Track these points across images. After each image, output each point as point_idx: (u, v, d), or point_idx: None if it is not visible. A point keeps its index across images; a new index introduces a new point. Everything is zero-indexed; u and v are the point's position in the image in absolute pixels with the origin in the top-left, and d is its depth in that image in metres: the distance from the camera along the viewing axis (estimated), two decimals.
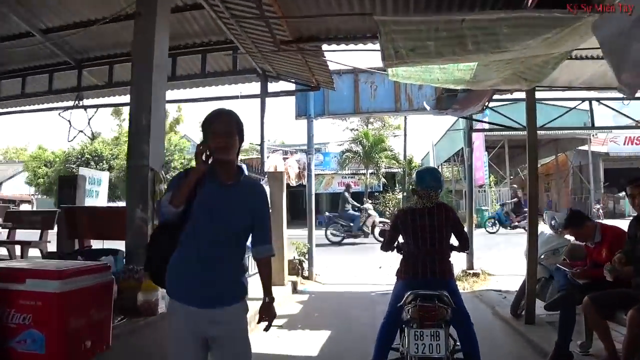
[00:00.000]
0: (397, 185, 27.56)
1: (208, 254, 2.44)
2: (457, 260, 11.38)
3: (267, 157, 8.79)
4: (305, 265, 9.25)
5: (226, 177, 2.53)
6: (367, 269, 10.67)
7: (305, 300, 7.71)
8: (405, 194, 26.02)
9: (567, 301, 4.33)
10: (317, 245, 10.09)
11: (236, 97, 9.99)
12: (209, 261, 2.44)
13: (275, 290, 6.85)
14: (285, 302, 7.47)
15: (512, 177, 30.10)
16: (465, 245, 3.96)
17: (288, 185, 8.98)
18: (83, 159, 31.54)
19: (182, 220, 2.49)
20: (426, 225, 3.62)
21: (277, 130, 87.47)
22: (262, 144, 8.26)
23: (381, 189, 26.88)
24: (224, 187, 2.51)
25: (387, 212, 25.28)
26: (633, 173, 25.07)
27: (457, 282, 4.16)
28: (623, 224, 4.79)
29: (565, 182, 31.43)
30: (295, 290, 8.29)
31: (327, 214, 15.85)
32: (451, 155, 32.08)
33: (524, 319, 5.72)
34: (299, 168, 8.90)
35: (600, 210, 25.04)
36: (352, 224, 15.28)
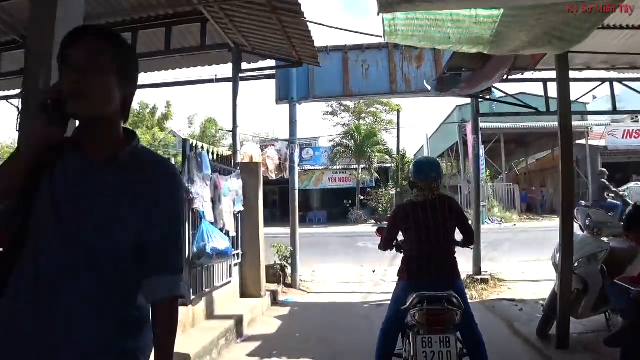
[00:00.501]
0: (390, 181, 26.33)
1: (57, 296, 1.22)
2: (462, 265, 9.94)
3: (242, 145, 7.55)
4: (289, 271, 8.00)
5: (97, 148, 1.31)
6: (361, 273, 9.47)
7: (286, 315, 6.46)
8: (398, 189, 24.84)
9: (634, 332, 3.11)
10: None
11: (210, 81, 8.75)
12: (58, 311, 1.21)
13: (251, 303, 5.56)
14: (261, 317, 6.24)
15: (507, 172, 29.09)
16: (471, 239, 3.63)
17: (267, 178, 7.75)
18: None
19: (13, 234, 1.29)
20: (429, 219, 3.28)
21: (262, 122, 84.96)
22: (234, 130, 6.97)
23: (374, 185, 25.66)
24: (94, 168, 1.29)
25: (380, 209, 24.13)
26: (631, 167, 24.14)
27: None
28: None
29: None
30: (275, 301, 7.03)
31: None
32: (445, 149, 31.07)
33: (555, 341, 4.52)
34: (280, 159, 7.66)
35: None
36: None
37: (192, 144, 5.12)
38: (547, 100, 7.81)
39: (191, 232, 4.88)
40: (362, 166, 24.70)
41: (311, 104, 8.29)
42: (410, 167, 3.75)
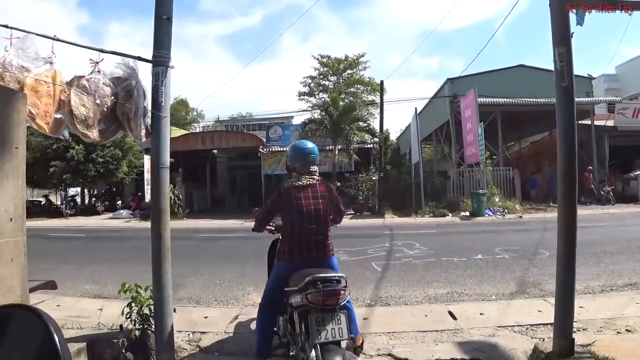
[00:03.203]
0: (372, 165, 21.90)
1: None
2: (522, 313, 4.84)
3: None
4: (152, 341, 3.54)
5: None
6: None
7: None
8: (382, 174, 20.47)
9: None
10: None
11: None
12: None
13: None
14: None
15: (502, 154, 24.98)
16: (340, 219, 3.69)
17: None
18: None
19: None
20: (311, 203, 3.26)
21: None
22: None
23: (353, 169, 21.18)
24: None
25: (360, 197, 19.81)
26: (636, 151, 19.95)
27: None
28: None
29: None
30: None
31: None
32: (433, 130, 26.86)
33: None
34: (112, 96, 3.10)
35: (611, 194, 20.09)
36: None
37: None
38: None
39: None
40: (339, 147, 20.09)
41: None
42: (288, 151, 3.57)
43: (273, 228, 3.67)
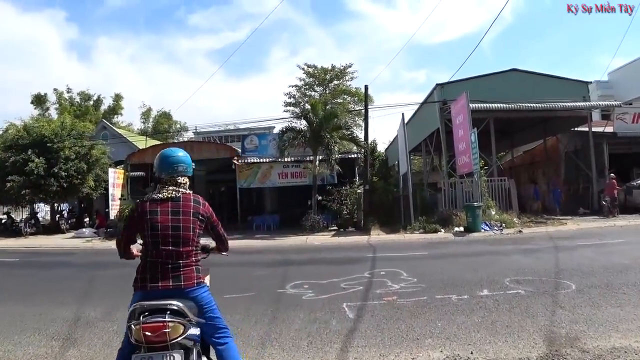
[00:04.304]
0: (357, 177, 19.96)
1: None
2: None
3: None
4: None
5: None
6: None
7: None
8: (367, 187, 18.54)
9: None
10: None
11: None
12: None
13: None
14: None
15: (496, 164, 23.21)
16: (223, 246, 3.11)
17: None
18: None
19: None
20: (168, 219, 2.68)
21: None
22: None
23: (335, 181, 19.21)
24: None
25: (345, 212, 17.86)
26: (633, 158, 17.98)
27: None
28: None
29: (557, 170, 24.83)
30: None
31: None
32: (422, 139, 25.15)
33: None
34: None
35: (615, 204, 18.28)
36: None
37: None
38: None
39: None
40: (320, 157, 18.14)
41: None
42: (155, 159, 2.94)
43: (141, 254, 2.87)
